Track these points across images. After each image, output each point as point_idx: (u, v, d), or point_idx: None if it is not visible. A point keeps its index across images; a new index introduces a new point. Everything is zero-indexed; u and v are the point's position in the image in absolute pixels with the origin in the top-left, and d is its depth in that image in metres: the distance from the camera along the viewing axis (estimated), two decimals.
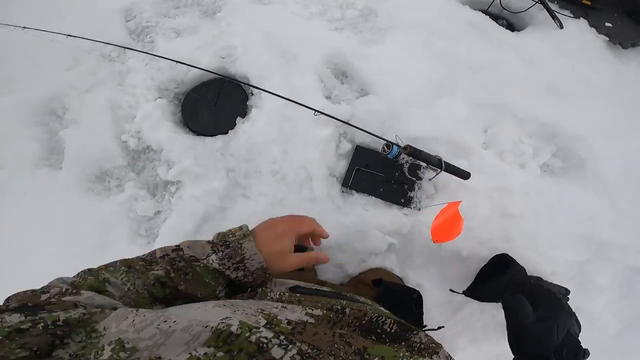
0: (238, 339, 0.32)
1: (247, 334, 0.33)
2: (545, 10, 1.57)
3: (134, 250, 1.44)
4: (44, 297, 0.40)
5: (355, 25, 1.61)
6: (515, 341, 0.80)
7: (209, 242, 0.60)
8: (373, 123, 1.47)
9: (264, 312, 0.41)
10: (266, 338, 0.33)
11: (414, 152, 1.18)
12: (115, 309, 0.40)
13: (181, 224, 1.42)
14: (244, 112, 1.58)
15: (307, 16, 1.60)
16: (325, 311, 0.45)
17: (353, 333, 0.43)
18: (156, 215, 1.48)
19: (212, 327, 0.32)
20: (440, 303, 1.36)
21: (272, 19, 1.59)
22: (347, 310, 0.46)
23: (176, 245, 0.59)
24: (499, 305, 0.98)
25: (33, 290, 0.42)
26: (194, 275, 0.55)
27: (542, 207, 1.31)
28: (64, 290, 0.42)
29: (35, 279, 0.51)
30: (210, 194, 1.43)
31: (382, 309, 0.50)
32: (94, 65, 1.62)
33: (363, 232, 1.37)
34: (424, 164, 1.37)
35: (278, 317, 0.40)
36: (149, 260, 0.56)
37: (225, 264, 0.57)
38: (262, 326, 0.36)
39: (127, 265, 0.54)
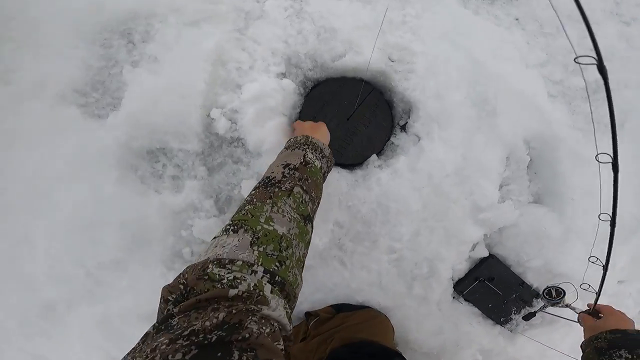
0: None
1: None
2: None
3: (170, 280, 1.02)
4: (232, 292, 0.39)
5: (571, 100, 1.16)
6: None
7: (291, 150, 0.74)
8: (532, 244, 1.13)
9: None
10: None
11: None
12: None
13: None
14: (381, 147, 1.12)
15: (528, 61, 1.10)
16: None
17: None
18: None
19: None
20: None
21: (482, 40, 1.07)
22: None
23: (279, 164, 0.66)
24: None
25: (220, 283, 0.40)
26: (312, 178, 0.65)
27: None
28: (251, 288, 0.40)
29: None
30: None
31: None
32: None
33: (460, 346, 1.18)
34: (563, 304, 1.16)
35: None
36: (275, 184, 0.60)
37: (316, 156, 0.72)
38: None
39: (267, 197, 0.56)
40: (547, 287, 1.04)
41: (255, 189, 0.61)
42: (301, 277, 0.53)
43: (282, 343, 0.36)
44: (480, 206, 1.08)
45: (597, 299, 0.96)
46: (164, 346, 0.30)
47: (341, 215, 1.06)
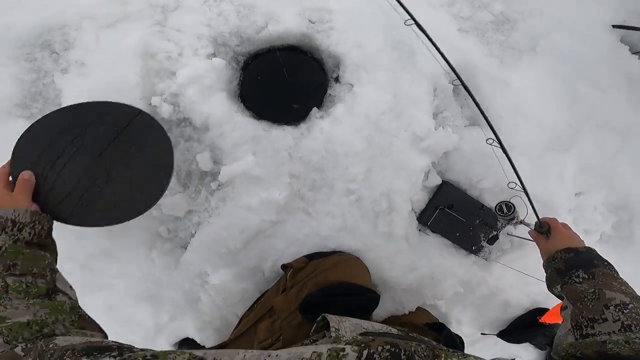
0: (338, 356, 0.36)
1: (342, 353, 0.36)
2: None
3: (154, 258, 1.09)
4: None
5: (483, 32, 1.27)
6: None
7: None
8: (476, 165, 1.22)
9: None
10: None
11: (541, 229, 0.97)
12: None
13: (222, 239, 1.09)
14: (320, 101, 1.21)
15: (434, 3, 1.21)
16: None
17: None
18: (188, 215, 1.12)
19: (307, 357, 0.36)
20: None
21: None
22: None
23: None
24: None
25: None
26: (19, 259, 0.58)
27: None
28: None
29: None
30: (268, 205, 1.10)
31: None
32: None
33: (438, 279, 1.23)
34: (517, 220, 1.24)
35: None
36: None
37: (10, 234, 0.60)
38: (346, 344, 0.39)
39: None
40: (498, 203, 1.07)
41: None
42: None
43: None
44: (420, 135, 1.16)
45: (535, 212, 1.02)
46: None
47: (294, 167, 1.13)
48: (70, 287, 0.64)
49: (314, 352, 0.37)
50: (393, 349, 0.37)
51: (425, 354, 0.38)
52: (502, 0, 1.27)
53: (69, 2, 1.04)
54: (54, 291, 0.57)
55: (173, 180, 1.09)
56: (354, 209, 1.17)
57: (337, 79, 1.21)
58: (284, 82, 1.19)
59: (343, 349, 0.37)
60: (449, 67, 0.95)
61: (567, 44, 1.24)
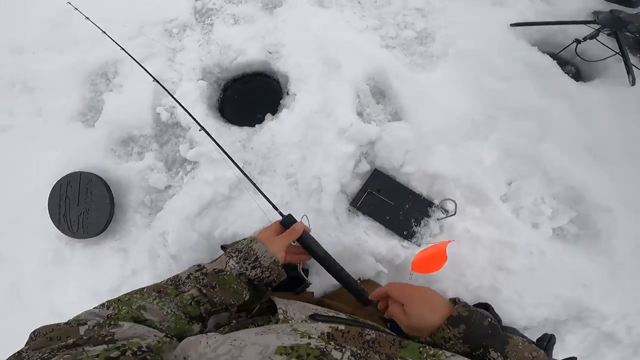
0: (301, 347, 0.36)
1: (308, 342, 0.37)
2: (623, 62, 1.39)
3: (137, 219, 1.49)
4: (82, 329, 0.41)
5: (408, 46, 1.54)
6: None
7: (223, 254, 0.69)
8: (397, 150, 1.40)
9: (297, 331, 0.44)
10: (323, 344, 0.37)
11: None
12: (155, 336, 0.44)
13: (186, 204, 1.44)
14: (275, 110, 1.58)
15: (361, 28, 1.56)
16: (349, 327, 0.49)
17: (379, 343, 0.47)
18: (165, 190, 1.52)
19: (275, 346, 0.37)
20: None
21: (326, 23, 1.57)
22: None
23: (197, 265, 0.65)
24: None
25: (67, 323, 0.43)
26: (221, 286, 0.62)
27: (540, 268, 1.30)
28: (101, 322, 0.43)
29: None
30: (221, 181, 1.44)
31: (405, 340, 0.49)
32: (154, 38, 1.70)
33: (358, 255, 1.35)
34: (436, 202, 1.34)
35: (312, 333, 0.44)
36: (175, 282, 0.61)
37: (242, 265, 0.65)
38: (309, 338, 0.40)
39: (157, 290, 0.57)
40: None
41: (163, 282, 0.61)
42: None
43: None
44: (344, 128, 1.42)
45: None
46: None
47: (247, 155, 1.48)
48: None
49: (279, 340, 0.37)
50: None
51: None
52: (425, 18, 1.53)
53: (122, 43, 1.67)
54: (201, 319, 0.59)
55: (160, 163, 1.53)
56: (292, 189, 1.43)
57: (287, 93, 1.58)
58: (252, 97, 1.61)
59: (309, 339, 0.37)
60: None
61: (470, 44, 1.43)
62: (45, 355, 0.35)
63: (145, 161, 1.53)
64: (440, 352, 0.41)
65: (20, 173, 1.62)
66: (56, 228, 1.51)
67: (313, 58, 1.52)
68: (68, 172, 1.50)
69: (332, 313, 0.60)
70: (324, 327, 0.47)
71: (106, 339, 0.40)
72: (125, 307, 0.51)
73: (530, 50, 1.41)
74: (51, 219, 1.51)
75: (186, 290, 0.59)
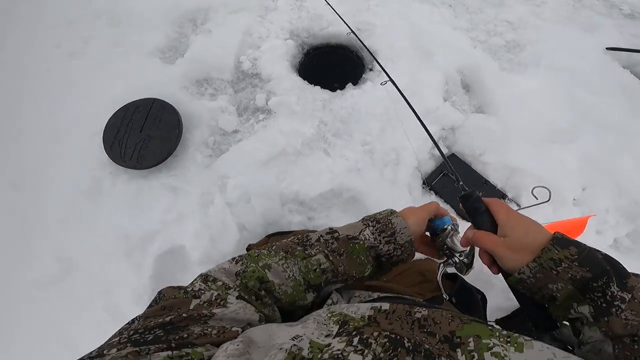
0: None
1: (319, 355, 0.32)
2: None
3: (197, 158, 1.40)
4: (194, 302, 0.41)
5: (496, 51, 1.61)
6: None
7: (360, 221, 0.63)
8: (480, 139, 1.40)
9: (334, 314, 0.40)
10: (339, 350, 0.33)
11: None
12: (250, 325, 0.42)
13: (256, 149, 1.38)
14: (356, 81, 1.58)
15: (454, 26, 1.63)
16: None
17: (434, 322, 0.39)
18: (233, 134, 1.46)
19: (286, 349, 0.33)
20: None
21: (422, 15, 1.64)
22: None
23: (329, 228, 0.61)
24: None
25: (185, 292, 0.43)
26: (349, 254, 0.57)
27: None
28: (213, 297, 0.43)
29: None
30: (297, 134, 1.39)
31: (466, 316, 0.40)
32: None
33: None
34: (509, 195, 1.33)
35: (350, 315, 0.40)
36: (304, 243, 0.57)
37: (377, 237, 0.59)
38: (335, 336, 0.35)
39: (285, 250, 0.55)
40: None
41: (292, 240, 0.58)
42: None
43: (229, 335, 0.37)
44: (429, 108, 1.43)
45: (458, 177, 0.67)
46: (107, 343, 0.33)
47: (325, 115, 1.45)
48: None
49: (295, 343, 0.34)
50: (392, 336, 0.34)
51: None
52: (515, 31, 1.61)
53: None
54: (316, 289, 0.55)
55: (232, 107, 1.49)
56: (366, 157, 1.40)
57: (371, 69, 1.59)
58: (331, 66, 1.62)
59: (329, 345, 0.33)
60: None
61: (566, 59, 1.49)
62: (120, 344, 0.33)
63: (218, 102, 1.48)
64: (516, 334, 0.34)
65: (80, 94, 1.54)
66: (105, 153, 1.40)
67: (405, 42, 1.56)
68: (135, 99, 1.44)
69: (389, 296, 0.57)
70: (365, 309, 0.41)
71: (203, 319, 0.38)
72: (252, 265, 0.50)
73: (623, 72, 1.49)
74: (103, 143, 1.41)
75: (313, 253, 0.55)
